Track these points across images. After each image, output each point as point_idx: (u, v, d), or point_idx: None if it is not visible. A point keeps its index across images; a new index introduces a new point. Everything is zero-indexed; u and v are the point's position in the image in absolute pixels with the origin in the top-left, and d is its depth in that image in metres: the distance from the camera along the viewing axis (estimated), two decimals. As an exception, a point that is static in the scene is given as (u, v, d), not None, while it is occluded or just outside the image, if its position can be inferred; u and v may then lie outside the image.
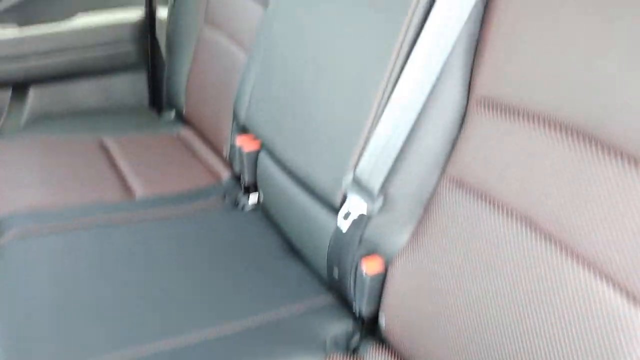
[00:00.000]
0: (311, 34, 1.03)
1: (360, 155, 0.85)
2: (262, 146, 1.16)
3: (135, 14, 1.68)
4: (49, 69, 1.60)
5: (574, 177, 0.60)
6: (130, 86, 1.76)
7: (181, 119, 1.61)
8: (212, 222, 1.20)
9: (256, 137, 1.18)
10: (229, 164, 1.34)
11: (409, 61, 0.79)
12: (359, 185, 0.84)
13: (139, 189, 1.28)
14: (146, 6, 1.69)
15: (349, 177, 0.86)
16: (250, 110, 1.19)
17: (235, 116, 1.27)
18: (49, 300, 0.92)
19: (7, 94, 1.61)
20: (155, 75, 1.78)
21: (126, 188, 1.28)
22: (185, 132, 1.56)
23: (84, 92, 1.69)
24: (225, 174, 1.36)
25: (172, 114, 1.68)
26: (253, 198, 1.25)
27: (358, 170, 0.85)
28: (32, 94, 1.63)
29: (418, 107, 0.76)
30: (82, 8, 1.63)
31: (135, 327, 0.88)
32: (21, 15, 1.56)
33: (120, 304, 0.92)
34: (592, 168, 0.59)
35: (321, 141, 0.95)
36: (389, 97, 0.82)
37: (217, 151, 1.42)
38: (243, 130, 1.24)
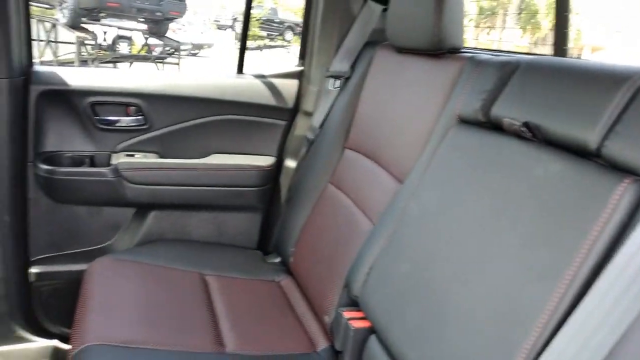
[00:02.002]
0: (455, 226, 0.93)
1: None
2: (374, 330, 1.05)
3: (265, 161, 1.75)
4: (174, 197, 1.67)
5: None
6: (243, 225, 1.78)
7: (285, 267, 1.57)
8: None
9: (367, 317, 1.07)
10: (328, 334, 1.23)
11: (590, 294, 0.65)
12: None
13: (231, 343, 1.20)
14: (277, 156, 1.77)
15: None
16: (367, 287, 1.10)
17: (347, 285, 1.19)
18: None
19: (131, 212, 1.68)
20: (270, 219, 1.79)
21: (218, 338, 1.21)
22: (287, 283, 1.51)
23: (199, 222, 1.74)
24: (321, 344, 1.25)
25: (278, 259, 1.65)
26: (351, 384, 1.11)
27: None
28: (152, 216, 1.69)
29: (600, 355, 0.62)
30: (219, 149, 1.74)
31: None
32: (162, 146, 1.68)
33: None
34: None
35: (455, 355, 0.82)
36: (555, 330, 0.68)
37: (316, 313, 1.33)
38: (353, 303, 1.14)
